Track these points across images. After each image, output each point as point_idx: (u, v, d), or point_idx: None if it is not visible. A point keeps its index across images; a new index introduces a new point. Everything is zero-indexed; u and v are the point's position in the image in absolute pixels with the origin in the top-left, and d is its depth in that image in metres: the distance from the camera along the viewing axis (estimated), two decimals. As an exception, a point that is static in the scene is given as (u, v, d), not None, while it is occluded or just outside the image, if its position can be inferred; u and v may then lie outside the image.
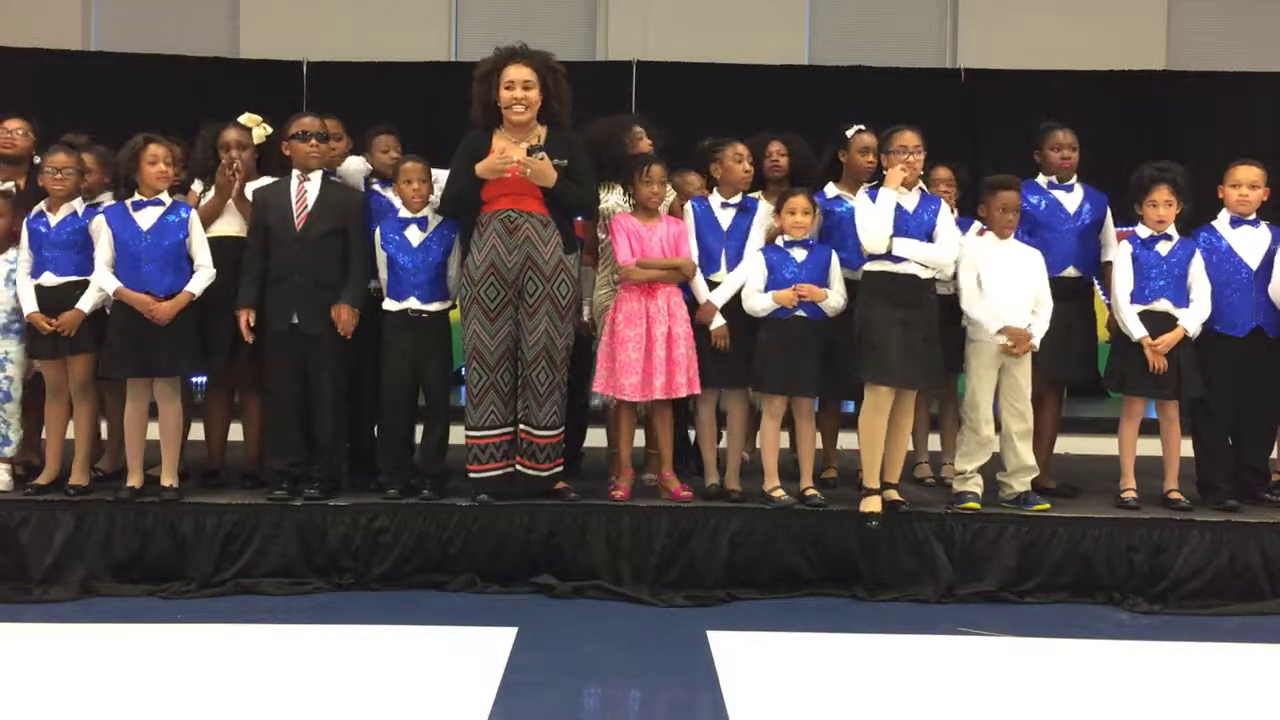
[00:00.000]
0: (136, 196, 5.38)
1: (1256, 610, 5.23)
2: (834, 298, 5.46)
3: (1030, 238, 5.74)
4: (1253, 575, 5.34)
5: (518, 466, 5.46)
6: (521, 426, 5.44)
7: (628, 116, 6.11)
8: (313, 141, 5.50)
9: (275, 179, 5.59)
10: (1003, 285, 5.46)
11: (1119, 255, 5.65)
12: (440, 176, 5.63)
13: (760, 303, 5.46)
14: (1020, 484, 5.57)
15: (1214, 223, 5.74)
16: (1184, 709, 4.14)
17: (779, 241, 5.54)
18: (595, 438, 6.36)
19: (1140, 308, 5.54)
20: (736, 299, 5.52)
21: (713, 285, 5.54)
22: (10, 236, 5.51)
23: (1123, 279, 5.58)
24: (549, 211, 5.35)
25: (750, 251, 5.54)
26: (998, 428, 5.54)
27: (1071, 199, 5.90)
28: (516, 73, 5.29)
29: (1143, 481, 5.63)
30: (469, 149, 5.38)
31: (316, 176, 5.54)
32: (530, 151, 5.25)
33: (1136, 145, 10.12)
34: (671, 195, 5.84)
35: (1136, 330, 5.51)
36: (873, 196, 5.37)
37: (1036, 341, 5.47)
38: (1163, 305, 5.53)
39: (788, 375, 5.43)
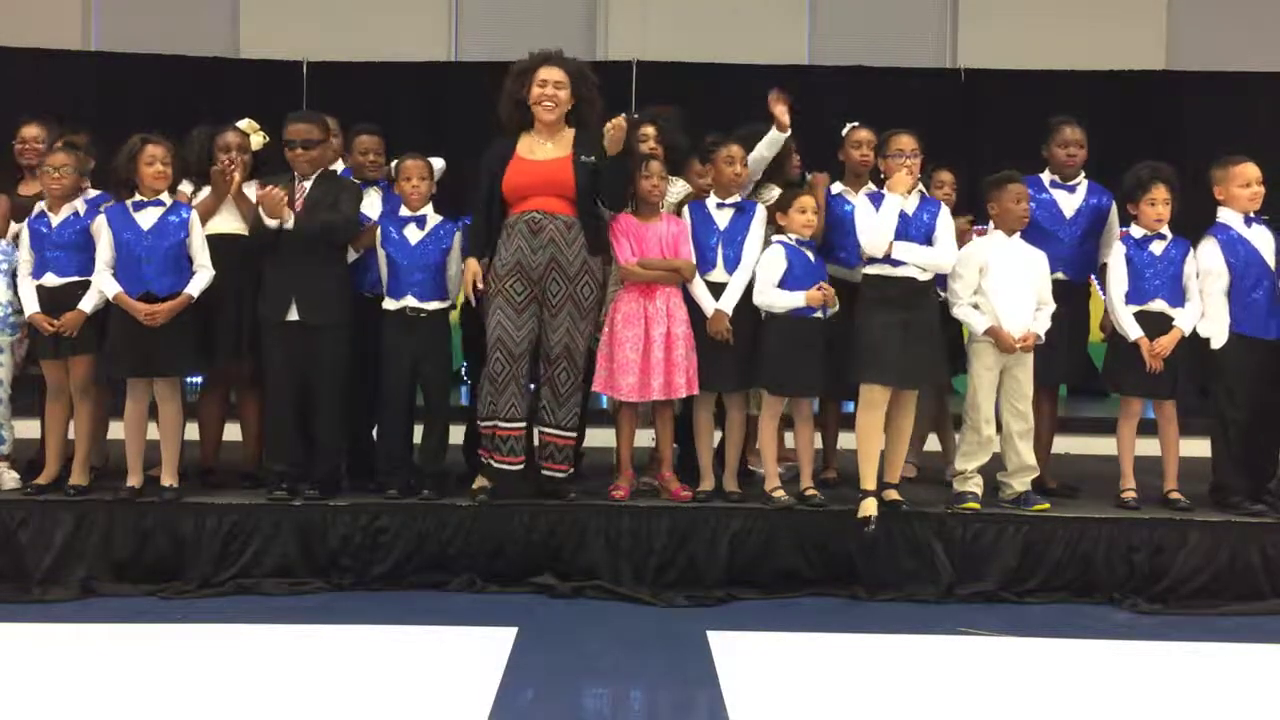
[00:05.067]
0: (137, 197, 5.38)
1: (1256, 610, 5.23)
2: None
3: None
4: (1253, 575, 5.34)
5: (544, 470, 5.46)
6: (541, 429, 5.45)
7: (655, 111, 6.07)
8: (298, 150, 5.49)
9: (276, 175, 5.58)
10: (1006, 285, 5.44)
11: (1113, 256, 5.63)
12: (439, 169, 5.73)
13: (782, 300, 5.40)
14: (1020, 484, 5.57)
15: (1226, 222, 5.59)
16: (1184, 709, 4.14)
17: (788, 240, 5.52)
18: (595, 438, 6.35)
19: (1136, 308, 5.53)
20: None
21: (710, 285, 5.52)
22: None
23: (1117, 279, 5.56)
24: (575, 213, 5.38)
25: (750, 252, 5.53)
26: (998, 428, 5.54)
27: (1071, 200, 5.83)
28: (550, 73, 5.39)
29: (1143, 481, 5.63)
30: (492, 154, 5.43)
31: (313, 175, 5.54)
32: (581, 161, 5.34)
33: (1136, 145, 10.06)
34: (687, 190, 5.83)
35: (1133, 331, 5.50)
36: (875, 200, 5.36)
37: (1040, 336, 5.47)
38: (1158, 305, 5.52)
39: (793, 375, 5.42)
